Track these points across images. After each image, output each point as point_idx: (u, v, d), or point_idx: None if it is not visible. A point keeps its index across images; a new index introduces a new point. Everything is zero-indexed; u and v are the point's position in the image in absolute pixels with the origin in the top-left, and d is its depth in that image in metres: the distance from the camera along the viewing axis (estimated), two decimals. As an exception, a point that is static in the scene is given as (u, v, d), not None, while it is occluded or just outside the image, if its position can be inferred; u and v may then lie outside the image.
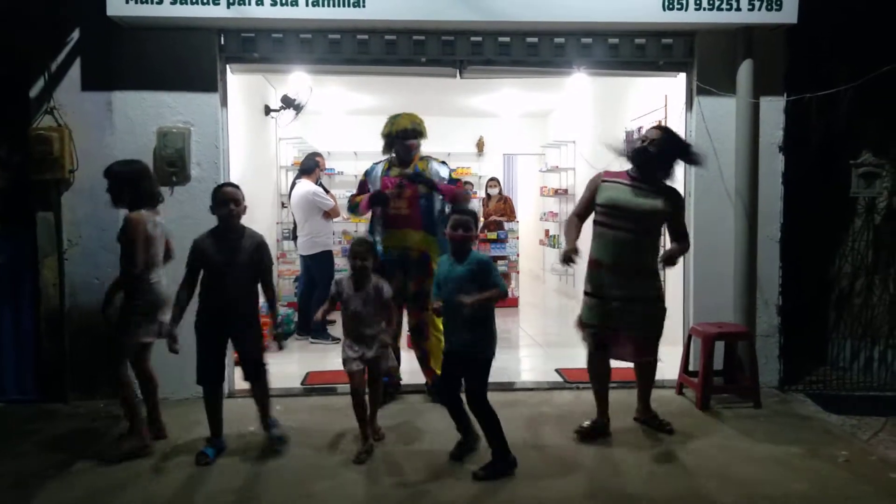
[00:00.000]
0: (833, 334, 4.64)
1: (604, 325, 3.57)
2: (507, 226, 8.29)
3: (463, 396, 3.34)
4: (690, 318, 4.65)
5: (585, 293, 3.67)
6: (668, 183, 3.61)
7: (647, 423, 3.82)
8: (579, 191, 8.77)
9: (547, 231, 9.75)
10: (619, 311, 3.52)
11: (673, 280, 5.19)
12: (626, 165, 3.70)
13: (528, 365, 5.54)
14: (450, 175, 4.30)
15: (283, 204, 8.19)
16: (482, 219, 8.23)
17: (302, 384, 4.80)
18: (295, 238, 6.60)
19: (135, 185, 3.54)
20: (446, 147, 10.11)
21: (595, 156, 8.08)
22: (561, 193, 9.17)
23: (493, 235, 8.11)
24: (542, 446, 3.61)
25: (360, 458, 3.42)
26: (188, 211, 4.39)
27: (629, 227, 3.48)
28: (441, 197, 4.23)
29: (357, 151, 9.98)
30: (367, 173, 4.40)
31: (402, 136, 4.25)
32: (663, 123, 5.23)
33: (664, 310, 3.66)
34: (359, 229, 8.36)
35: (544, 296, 9.71)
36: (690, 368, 4.47)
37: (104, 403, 4.27)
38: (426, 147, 4.51)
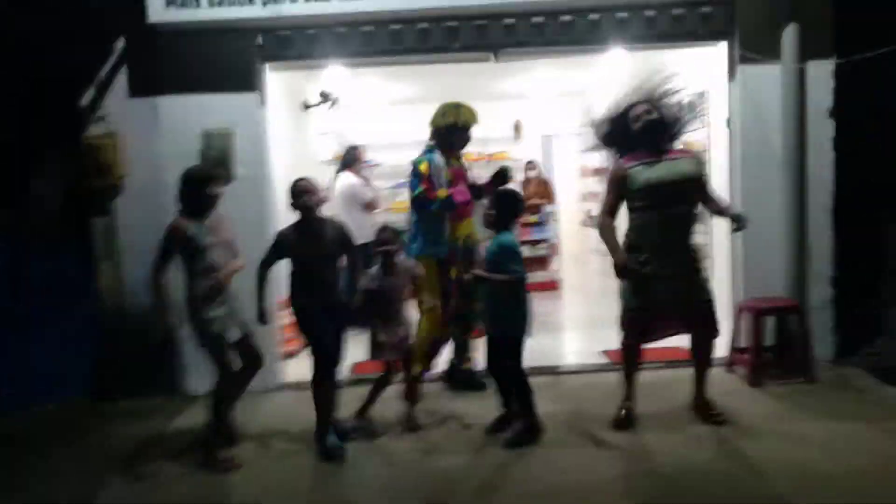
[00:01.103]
0: (889, 305, 4.48)
1: (653, 306, 3.48)
2: (546, 209, 8.24)
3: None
4: (740, 292, 4.55)
5: (626, 277, 3.56)
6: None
7: (700, 412, 3.65)
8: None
9: (588, 211, 9.64)
10: (670, 288, 3.43)
11: (721, 253, 5.09)
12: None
13: (572, 348, 5.54)
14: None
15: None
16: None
17: (350, 374, 4.88)
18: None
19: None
20: (484, 132, 10.05)
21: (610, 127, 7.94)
22: (602, 172, 9.04)
23: (533, 219, 8.06)
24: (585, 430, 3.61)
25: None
26: (234, 209, 4.46)
27: (679, 199, 3.41)
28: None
29: (395, 142, 10.04)
30: (430, 163, 4.12)
31: (466, 128, 4.18)
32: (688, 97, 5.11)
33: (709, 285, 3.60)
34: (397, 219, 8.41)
35: (587, 277, 9.62)
36: (740, 345, 4.39)
37: (161, 401, 4.42)
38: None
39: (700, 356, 3.64)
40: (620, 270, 3.44)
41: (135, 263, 4.46)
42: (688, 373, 3.77)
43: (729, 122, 4.67)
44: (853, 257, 4.46)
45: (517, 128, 10.38)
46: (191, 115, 4.48)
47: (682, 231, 3.47)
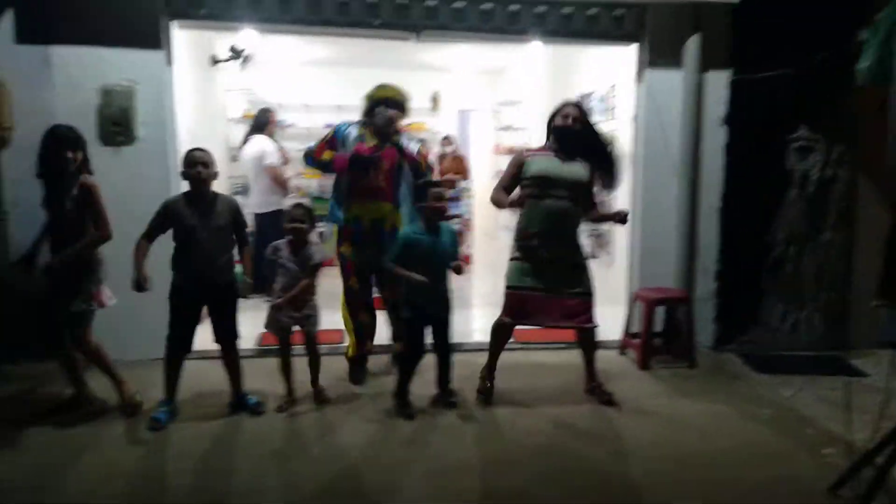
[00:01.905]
0: (765, 298, 4.93)
1: (535, 287, 3.70)
2: (460, 184, 8.34)
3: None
4: (635, 282, 4.86)
5: (513, 259, 3.78)
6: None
7: (592, 392, 3.94)
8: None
9: (500, 189, 9.83)
10: (553, 273, 3.68)
11: (618, 245, 5.40)
12: None
13: (480, 325, 5.69)
14: (418, 151, 4.20)
15: (233, 158, 8.02)
16: (437, 176, 8.25)
17: (257, 345, 4.83)
18: (246, 194, 6.51)
19: (85, 149, 3.46)
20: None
21: (547, 117, 8.15)
22: (515, 152, 9.23)
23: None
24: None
25: (282, 407, 3.69)
26: (135, 171, 4.30)
27: (561, 195, 3.64)
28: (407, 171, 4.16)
29: (309, 104, 9.78)
30: (338, 131, 4.10)
31: (386, 104, 4.04)
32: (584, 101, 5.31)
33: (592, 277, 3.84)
34: (310, 185, 8.28)
35: (497, 253, 9.85)
36: (633, 331, 4.71)
37: (41, 367, 4.19)
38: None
39: (583, 344, 3.92)
40: (514, 203, 3.67)
41: (22, 220, 4.18)
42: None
43: (635, 118, 4.92)
44: (737, 254, 4.85)
45: (435, 100, 10.37)
46: (88, 69, 4.20)
47: (565, 224, 3.70)
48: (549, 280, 3.69)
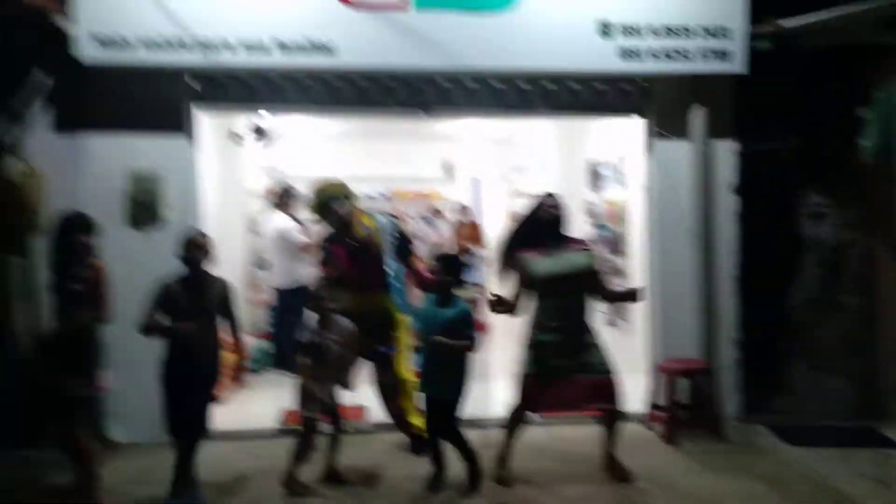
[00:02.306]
0: (790, 365, 4.85)
1: (552, 371, 3.68)
2: (476, 252, 8.41)
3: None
4: (658, 352, 4.81)
5: (528, 346, 3.77)
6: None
7: (611, 472, 3.87)
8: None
9: (515, 255, 9.88)
10: (570, 357, 3.69)
11: (637, 313, 5.37)
12: None
13: (499, 398, 5.60)
14: (396, 227, 4.26)
15: (251, 230, 8.18)
16: (453, 245, 8.35)
17: (282, 424, 4.78)
18: (267, 270, 6.60)
19: (96, 234, 3.59)
20: (414, 171, 10.25)
21: (559, 182, 8.28)
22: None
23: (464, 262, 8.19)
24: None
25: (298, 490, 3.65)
26: (161, 253, 4.37)
27: (571, 288, 3.71)
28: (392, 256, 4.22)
29: (326, 175, 10.01)
30: (324, 252, 4.21)
31: (330, 204, 4.11)
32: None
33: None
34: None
35: (514, 320, 9.82)
36: (657, 403, 4.62)
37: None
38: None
39: (607, 426, 3.85)
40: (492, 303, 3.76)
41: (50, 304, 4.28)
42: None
43: (647, 188, 4.99)
44: (757, 321, 4.80)
45: (447, 168, 10.59)
46: (117, 155, 4.38)
47: (578, 315, 3.75)
48: (566, 364, 3.68)
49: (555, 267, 3.71)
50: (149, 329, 3.50)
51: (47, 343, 3.50)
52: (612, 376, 3.75)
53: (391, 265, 4.23)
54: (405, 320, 4.30)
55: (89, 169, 4.36)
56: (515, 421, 3.86)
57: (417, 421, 4.13)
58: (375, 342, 4.11)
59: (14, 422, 4.31)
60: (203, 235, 3.60)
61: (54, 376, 3.41)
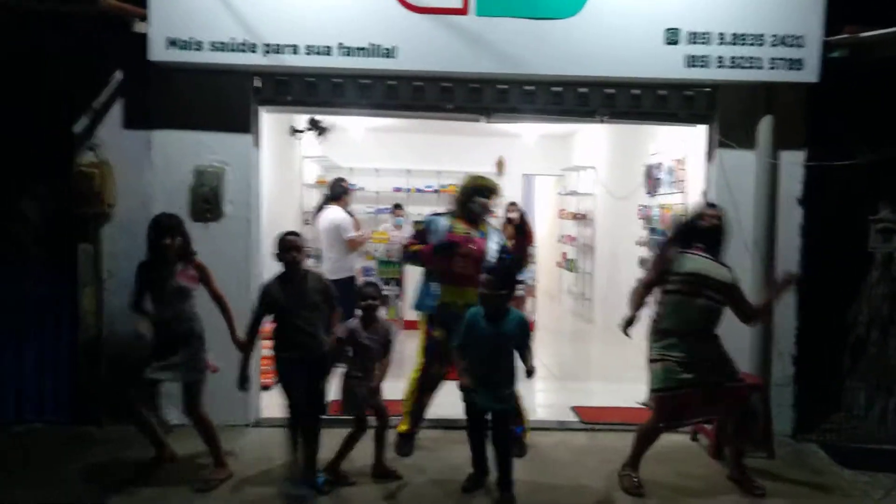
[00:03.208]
0: (848, 383, 4.70)
1: (687, 385, 3.65)
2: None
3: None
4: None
5: (656, 360, 3.74)
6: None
7: (740, 482, 3.86)
8: (598, 216, 8.90)
9: (564, 254, 9.84)
10: (704, 369, 3.66)
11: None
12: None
13: (543, 400, 5.63)
14: (503, 244, 4.30)
15: (305, 221, 8.36)
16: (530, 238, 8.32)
17: (327, 415, 4.89)
18: (319, 261, 6.75)
19: (184, 234, 3.81)
20: (466, 166, 10.23)
21: (613, 183, 8.18)
22: (579, 218, 9.26)
23: (511, 260, 8.19)
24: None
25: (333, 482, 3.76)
26: (220, 246, 4.56)
27: (713, 296, 3.66)
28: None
29: (378, 168, 10.15)
30: (428, 224, 4.26)
31: (481, 192, 4.22)
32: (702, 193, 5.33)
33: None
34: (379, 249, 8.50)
35: (560, 318, 9.81)
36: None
37: (134, 429, 4.42)
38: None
39: (732, 434, 3.91)
40: (625, 323, 3.75)
41: (115, 291, 4.50)
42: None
43: (705, 194, 4.88)
44: (816, 337, 4.67)
45: (499, 164, 10.56)
46: (184, 151, 4.53)
47: (711, 323, 3.72)
48: (701, 375, 3.65)
49: (702, 268, 3.67)
50: (252, 331, 3.76)
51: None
52: (741, 383, 3.78)
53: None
54: None
55: (157, 163, 4.53)
56: (648, 437, 3.83)
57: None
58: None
59: (75, 400, 4.61)
60: (296, 234, 3.73)
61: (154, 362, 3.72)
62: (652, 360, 3.76)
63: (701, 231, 3.77)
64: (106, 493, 3.61)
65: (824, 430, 4.69)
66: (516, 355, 3.61)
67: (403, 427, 4.28)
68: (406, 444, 4.26)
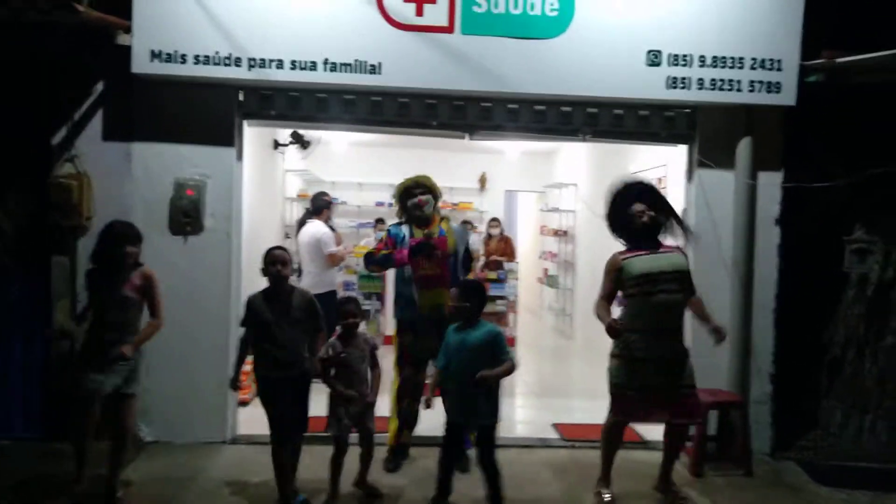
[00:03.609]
0: (824, 401, 4.76)
1: (640, 387, 3.64)
2: (506, 266, 8.41)
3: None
4: (686, 382, 4.75)
5: (617, 356, 3.72)
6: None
7: (666, 494, 3.86)
8: (579, 233, 8.96)
9: (546, 270, 9.89)
10: (658, 372, 3.63)
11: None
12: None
13: (523, 416, 5.62)
14: (467, 237, 4.41)
15: (286, 235, 8.31)
16: (483, 257, 8.35)
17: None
18: (299, 275, 6.70)
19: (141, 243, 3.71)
20: (449, 182, 10.27)
21: (595, 200, 8.24)
22: (561, 234, 9.32)
23: (492, 275, 8.21)
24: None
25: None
26: (200, 260, 4.51)
27: (670, 288, 3.63)
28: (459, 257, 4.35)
29: (361, 182, 10.14)
30: (392, 234, 4.35)
31: (409, 195, 4.29)
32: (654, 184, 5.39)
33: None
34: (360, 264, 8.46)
35: (541, 334, 9.83)
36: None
37: (104, 445, 4.32)
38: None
39: (674, 441, 3.84)
40: (610, 330, 3.60)
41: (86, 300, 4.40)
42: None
43: (684, 213, 4.94)
44: (793, 356, 4.73)
45: (482, 180, 10.62)
46: (165, 164, 4.48)
47: (673, 316, 3.69)
48: (656, 376, 3.62)
49: (651, 266, 3.64)
50: (245, 344, 3.69)
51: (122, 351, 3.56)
52: (696, 391, 3.75)
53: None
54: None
55: (137, 175, 4.47)
56: (611, 433, 3.81)
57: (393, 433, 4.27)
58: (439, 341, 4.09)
59: (48, 414, 4.49)
60: (283, 249, 3.68)
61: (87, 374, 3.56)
62: (611, 356, 3.76)
63: (638, 230, 3.74)
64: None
65: (802, 448, 4.74)
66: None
67: (391, 441, 4.29)
68: (394, 458, 4.24)
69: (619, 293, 3.80)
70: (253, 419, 4.81)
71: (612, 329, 3.57)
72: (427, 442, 4.30)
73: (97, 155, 4.44)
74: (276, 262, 3.59)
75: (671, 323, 3.68)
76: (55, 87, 4.40)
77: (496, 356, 3.48)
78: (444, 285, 4.18)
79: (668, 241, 3.87)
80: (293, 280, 7.22)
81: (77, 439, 3.70)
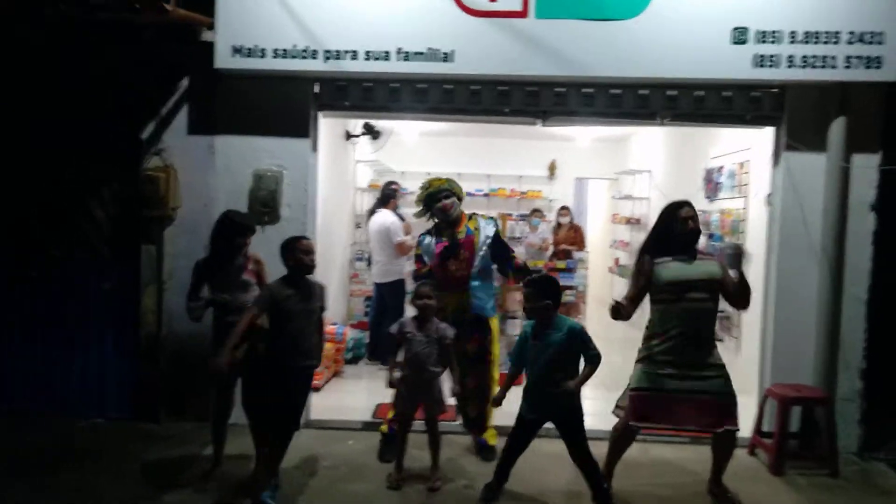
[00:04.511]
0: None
1: (663, 388, 3.53)
2: (576, 255, 8.28)
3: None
4: (767, 376, 4.56)
5: (640, 360, 3.65)
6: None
7: (717, 497, 3.73)
8: (652, 221, 8.67)
9: (617, 259, 9.67)
10: (684, 378, 3.52)
11: (750, 335, 5.12)
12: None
13: (592, 408, 5.46)
14: (496, 231, 4.29)
15: (357, 224, 8.46)
16: (552, 246, 8.25)
17: (373, 417, 4.93)
18: (369, 264, 6.81)
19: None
20: (517, 170, 10.20)
21: (670, 187, 7.99)
22: (633, 223, 9.09)
23: (561, 265, 8.10)
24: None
25: (392, 483, 3.76)
26: (277, 250, 4.62)
27: (699, 296, 3.52)
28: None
29: (430, 171, 10.16)
30: (420, 244, 4.34)
31: (434, 199, 4.23)
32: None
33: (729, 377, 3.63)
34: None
35: (611, 325, 9.60)
36: (764, 429, 4.39)
37: (191, 426, 4.55)
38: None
39: (721, 448, 3.67)
40: (613, 310, 3.58)
41: (175, 290, 4.60)
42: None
43: (769, 199, 4.72)
44: (886, 350, 4.45)
45: (551, 168, 10.47)
46: (244, 155, 4.63)
47: (699, 325, 3.56)
48: (676, 380, 3.51)
49: (681, 273, 3.54)
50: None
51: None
52: (733, 398, 3.57)
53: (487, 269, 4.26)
54: (496, 324, 4.36)
55: (219, 167, 4.64)
56: (621, 437, 3.75)
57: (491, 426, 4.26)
58: (469, 342, 4.15)
59: (135, 396, 4.75)
60: (307, 239, 3.71)
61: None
62: (636, 361, 3.66)
63: (677, 236, 3.59)
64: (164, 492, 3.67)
65: (892, 449, 4.46)
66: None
67: (384, 427, 4.30)
68: (387, 446, 4.23)
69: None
70: (324, 406, 4.96)
71: (616, 308, 3.53)
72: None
73: (183, 148, 4.64)
74: (310, 252, 3.59)
75: (699, 331, 3.54)
76: (144, 84, 4.62)
77: (583, 353, 3.48)
78: (464, 287, 4.16)
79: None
80: (363, 269, 7.38)
81: (215, 422, 3.86)
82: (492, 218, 4.44)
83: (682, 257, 3.59)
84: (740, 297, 3.59)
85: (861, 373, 4.46)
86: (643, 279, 3.63)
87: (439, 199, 4.22)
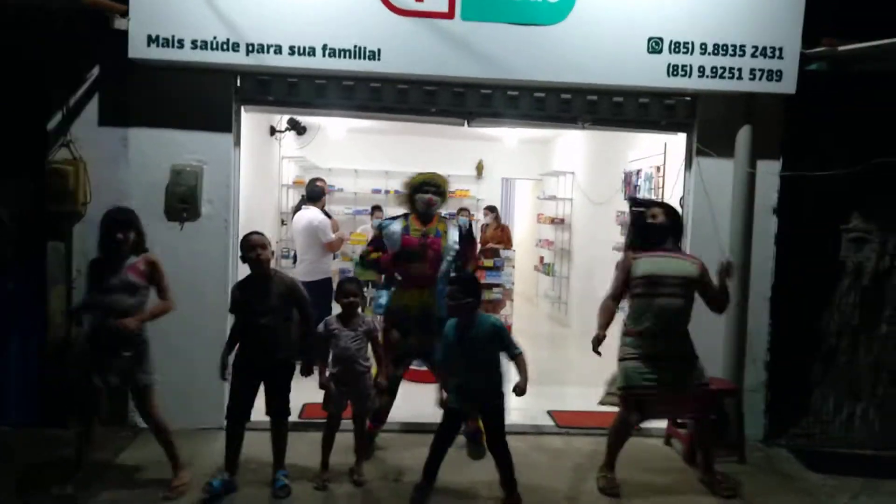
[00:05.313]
0: (817, 389, 4.80)
1: (651, 386, 3.71)
2: (503, 253, 8.41)
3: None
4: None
5: (625, 359, 3.79)
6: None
7: (710, 485, 3.93)
8: (575, 221, 8.97)
9: (542, 258, 9.90)
10: (670, 370, 3.72)
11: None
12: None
13: (518, 403, 5.59)
14: (466, 232, 4.35)
15: (282, 221, 8.29)
16: (479, 245, 8.34)
17: (299, 417, 4.85)
18: (294, 262, 6.69)
19: (138, 229, 3.67)
20: (446, 169, 10.22)
21: (592, 188, 8.26)
22: (557, 222, 9.33)
23: (489, 263, 8.21)
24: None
25: (321, 486, 3.75)
26: (197, 247, 4.49)
27: (672, 292, 3.71)
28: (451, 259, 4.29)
29: (357, 169, 10.11)
30: (382, 228, 4.32)
31: (424, 187, 4.26)
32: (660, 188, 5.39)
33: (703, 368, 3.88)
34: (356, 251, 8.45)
35: (537, 321, 9.86)
36: (679, 420, 4.60)
37: (100, 430, 4.30)
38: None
39: (703, 436, 3.94)
40: (594, 342, 3.79)
41: (83, 289, 4.37)
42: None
43: (682, 200, 4.96)
44: (788, 344, 4.76)
45: (479, 168, 10.61)
46: (161, 149, 4.44)
47: (676, 320, 3.77)
48: (666, 375, 3.71)
49: (655, 268, 3.73)
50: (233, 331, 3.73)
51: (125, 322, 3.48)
52: (708, 387, 3.83)
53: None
54: None
55: (133, 161, 4.44)
56: (622, 431, 3.87)
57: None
58: (429, 340, 4.11)
59: (42, 401, 4.49)
60: (260, 234, 3.67)
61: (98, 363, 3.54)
62: (620, 360, 3.84)
63: (652, 230, 3.83)
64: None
65: (794, 435, 4.79)
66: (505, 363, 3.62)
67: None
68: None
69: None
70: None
71: (597, 340, 3.75)
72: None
73: (93, 140, 4.41)
74: (254, 247, 3.57)
75: (670, 327, 3.75)
76: (50, 72, 4.35)
77: (506, 351, 3.56)
78: (430, 285, 4.19)
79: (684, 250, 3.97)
80: (288, 267, 7.25)
81: (80, 427, 3.72)
82: (463, 209, 4.46)
83: (660, 254, 3.78)
84: (717, 301, 3.87)
85: (766, 365, 4.75)
86: (623, 275, 3.84)
87: (426, 191, 4.24)
